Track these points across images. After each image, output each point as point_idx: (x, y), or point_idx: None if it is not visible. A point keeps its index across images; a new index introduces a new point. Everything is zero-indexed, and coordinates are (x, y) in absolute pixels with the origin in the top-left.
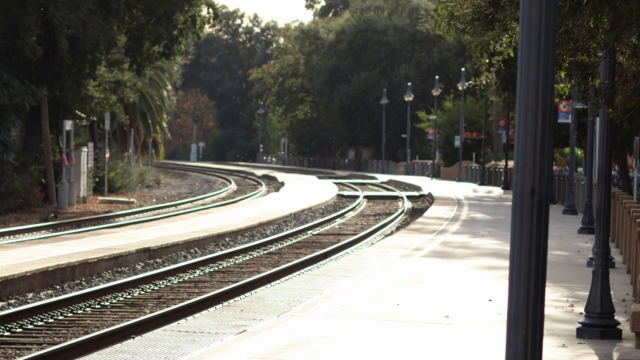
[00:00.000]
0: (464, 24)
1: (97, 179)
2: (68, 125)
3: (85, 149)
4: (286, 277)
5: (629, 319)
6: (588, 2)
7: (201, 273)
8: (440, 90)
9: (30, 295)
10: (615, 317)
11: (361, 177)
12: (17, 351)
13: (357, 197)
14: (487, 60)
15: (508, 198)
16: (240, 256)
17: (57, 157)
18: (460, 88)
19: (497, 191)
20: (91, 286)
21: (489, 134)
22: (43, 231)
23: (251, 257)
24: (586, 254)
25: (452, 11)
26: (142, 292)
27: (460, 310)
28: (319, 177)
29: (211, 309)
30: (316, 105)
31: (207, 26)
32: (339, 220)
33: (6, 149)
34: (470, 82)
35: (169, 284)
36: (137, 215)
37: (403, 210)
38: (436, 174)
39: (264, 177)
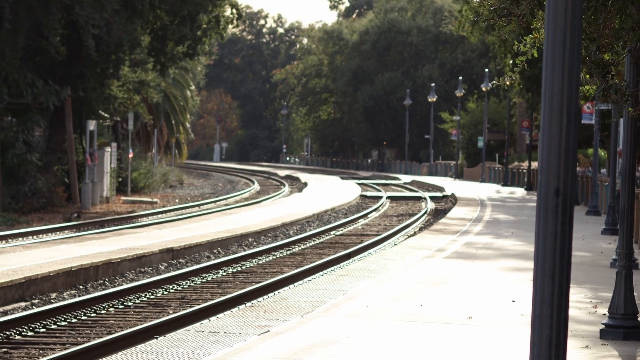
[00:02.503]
0: (489, 21)
1: (120, 179)
2: (92, 125)
3: (108, 149)
4: (309, 278)
5: None
6: (614, 3)
7: (224, 273)
8: (463, 91)
9: (53, 295)
10: (639, 318)
11: (384, 178)
12: (41, 351)
13: (380, 197)
14: (511, 61)
15: (531, 199)
16: (263, 257)
17: (81, 157)
18: (483, 89)
19: (520, 192)
20: (114, 286)
21: (512, 135)
22: (66, 231)
23: (274, 257)
24: (609, 255)
25: (477, 9)
26: (165, 293)
27: (483, 311)
28: (342, 178)
29: (234, 310)
30: (339, 106)
31: (230, 26)
32: (362, 221)
33: (30, 149)
34: (493, 82)
35: (192, 284)
36: (160, 216)
37: (426, 211)
38: (459, 175)
39: (287, 177)
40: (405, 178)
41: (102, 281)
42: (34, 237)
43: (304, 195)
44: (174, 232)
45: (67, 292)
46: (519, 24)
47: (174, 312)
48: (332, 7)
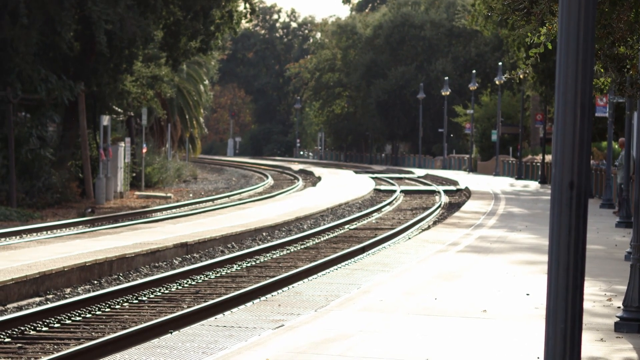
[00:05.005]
0: (503, 15)
1: (134, 174)
2: (105, 120)
3: (122, 144)
4: (323, 272)
5: None
6: None
7: (238, 268)
8: (477, 84)
9: (68, 290)
10: None
11: (398, 172)
12: (55, 346)
13: (394, 191)
14: (525, 55)
15: (545, 192)
16: (277, 251)
17: (95, 152)
18: (497, 82)
19: (534, 185)
20: (129, 281)
21: (526, 128)
22: (80, 226)
23: (288, 251)
24: (624, 248)
25: (490, 3)
26: (179, 287)
27: (497, 305)
28: (356, 172)
29: (249, 304)
30: (353, 100)
31: (244, 21)
32: (376, 215)
33: (44, 144)
34: (506, 75)
35: (206, 278)
36: (174, 210)
37: (440, 204)
38: (473, 169)
39: (301, 171)
40: (419, 172)
41: (116, 276)
42: (48, 232)
43: (318, 190)
44: (188, 226)
45: (82, 287)
46: (537, 22)
47: (188, 307)
48: (345, 1)
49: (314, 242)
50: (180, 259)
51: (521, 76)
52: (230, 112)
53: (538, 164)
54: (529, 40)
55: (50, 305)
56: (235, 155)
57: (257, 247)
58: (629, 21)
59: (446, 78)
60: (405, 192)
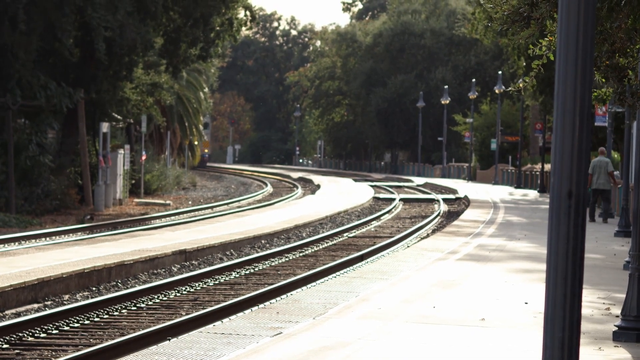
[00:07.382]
0: (503, 25)
1: (133, 181)
2: (105, 127)
3: (121, 151)
4: (322, 280)
5: None
6: (626, 3)
7: (237, 275)
8: (476, 93)
9: (66, 296)
10: None
11: (397, 180)
12: (53, 353)
13: (393, 199)
14: (524, 64)
15: (544, 201)
16: (276, 258)
17: (94, 159)
18: (496, 91)
19: (533, 194)
20: (127, 288)
21: (525, 137)
22: (79, 233)
23: (287, 259)
24: (623, 257)
25: (491, 13)
26: (178, 294)
27: (496, 313)
28: (355, 180)
29: (247, 311)
30: (352, 108)
31: (244, 29)
32: (375, 223)
33: (43, 150)
34: (510, 88)
35: (204, 286)
36: (173, 218)
37: (439, 213)
38: (472, 177)
39: (300, 179)
40: (418, 180)
41: (114, 283)
42: (47, 238)
43: (317, 198)
44: (187, 234)
45: (80, 294)
46: (537, 28)
47: (186, 314)
48: (345, 9)
49: (313, 250)
50: (178, 266)
51: (520, 85)
52: (229, 119)
53: (537, 173)
54: (531, 52)
55: (48, 311)
56: (234, 162)
57: (255, 255)
58: (627, 29)
59: (446, 87)
60: (405, 201)
